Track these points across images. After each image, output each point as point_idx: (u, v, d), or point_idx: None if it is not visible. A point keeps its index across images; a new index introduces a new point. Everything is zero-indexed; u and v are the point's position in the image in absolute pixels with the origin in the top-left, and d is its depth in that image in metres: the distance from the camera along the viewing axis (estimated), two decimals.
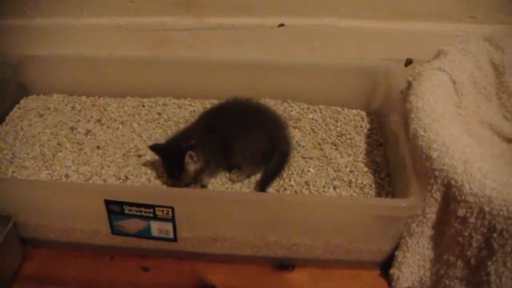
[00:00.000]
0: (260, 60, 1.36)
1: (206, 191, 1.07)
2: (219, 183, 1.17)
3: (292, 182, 1.15)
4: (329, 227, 1.01)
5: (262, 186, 1.15)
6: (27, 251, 1.10)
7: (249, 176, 1.18)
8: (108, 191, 1.00)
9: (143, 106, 1.40)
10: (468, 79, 1.11)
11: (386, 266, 1.04)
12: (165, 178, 1.17)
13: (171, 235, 1.01)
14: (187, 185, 1.12)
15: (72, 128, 1.32)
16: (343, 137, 1.27)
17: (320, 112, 1.36)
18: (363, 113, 1.35)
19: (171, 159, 1.11)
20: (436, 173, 0.89)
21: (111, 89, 1.42)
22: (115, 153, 1.24)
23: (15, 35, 1.40)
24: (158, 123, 1.34)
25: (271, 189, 1.15)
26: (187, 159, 1.08)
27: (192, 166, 1.10)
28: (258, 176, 1.18)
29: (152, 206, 0.96)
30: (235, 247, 1.05)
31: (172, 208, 0.96)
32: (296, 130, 1.30)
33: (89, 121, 1.35)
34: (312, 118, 1.34)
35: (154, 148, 1.15)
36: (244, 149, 1.14)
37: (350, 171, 1.18)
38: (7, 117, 1.37)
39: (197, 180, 1.14)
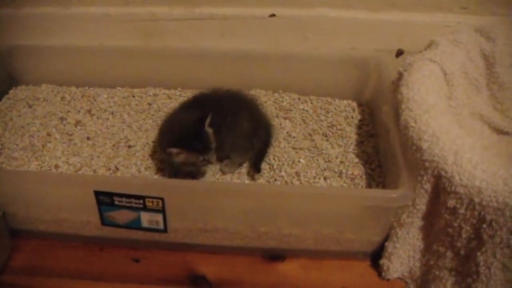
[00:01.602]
0: (251, 50, 1.35)
1: (197, 182, 1.06)
2: (209, 173, 1.17)
3: (283, 173, 1.15)
4: (320, 217, 1.01)
5: (255, 166, 1.14)
6: (17, 242, 1.09)
7: (240, 164, 1.18)
8: (98, 182, 1.00)
9: (133, 96, 1.39)
10: (459, 70, 1.10)
11: (376, 256, 1.05)
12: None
13: (162, 226, 1.01)
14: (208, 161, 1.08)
15: (61, 119, 1.31)
16: (334, 128, 1.27)
17: (311, 103, 1.36)
18: (354, 104, 1.35)
19: (193, 137, 1.05)
20: (427, 164, 0.89)
21: (101, 79, 1.41)
22: (105, 144, 1.24)
23: (3, 25, 1.38)
24: (148, 113, 1.33)
25: (262, 180, 1.14)
26: (207, 127, 1.05)
27: (211, 132, 1.06)
28: (248, 167, 1.18)
29: (142, 197, 0.95)
30: (226, 238, 1.05)
31: (162, 199, 0.95)
32: (287, 120, 1.30)
33: (78, 111, 1.34)
34: (303, 109, 1.33)
35: (177, 144, 1.05)
36: (232, 138, 1.13)
37: (341, 162, 1.18)
38: None
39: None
